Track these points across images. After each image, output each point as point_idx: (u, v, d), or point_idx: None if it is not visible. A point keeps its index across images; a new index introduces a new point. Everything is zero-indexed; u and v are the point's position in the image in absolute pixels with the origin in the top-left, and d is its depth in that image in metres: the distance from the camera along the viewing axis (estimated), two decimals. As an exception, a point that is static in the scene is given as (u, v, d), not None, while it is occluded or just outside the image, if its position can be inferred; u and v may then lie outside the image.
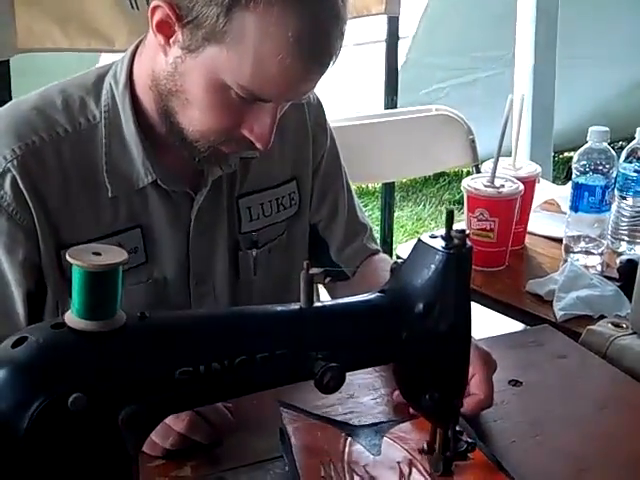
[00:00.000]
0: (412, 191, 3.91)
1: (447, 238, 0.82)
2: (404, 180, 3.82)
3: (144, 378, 0.69)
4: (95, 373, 0.67)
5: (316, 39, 0.91)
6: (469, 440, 0.88)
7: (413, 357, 0.82)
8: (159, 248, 1.08)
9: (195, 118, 0.96)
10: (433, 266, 0.81)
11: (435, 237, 0.84)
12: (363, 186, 3.68)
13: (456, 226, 0.82)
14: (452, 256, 0.81)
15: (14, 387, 0.65)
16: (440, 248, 0.81)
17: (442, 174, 3.91)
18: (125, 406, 0.66)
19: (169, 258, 1.09)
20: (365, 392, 1.04)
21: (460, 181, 1.59)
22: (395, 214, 2.90)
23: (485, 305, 1.40)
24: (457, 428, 0.86)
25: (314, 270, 0.77)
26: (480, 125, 2.21)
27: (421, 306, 0.81)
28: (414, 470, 0.89)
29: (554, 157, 3.53)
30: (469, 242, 0.82)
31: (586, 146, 1.49)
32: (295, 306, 0.78)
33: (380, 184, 2.79)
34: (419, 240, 0.84)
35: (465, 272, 0.83)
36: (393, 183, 2.66)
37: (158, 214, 1.06)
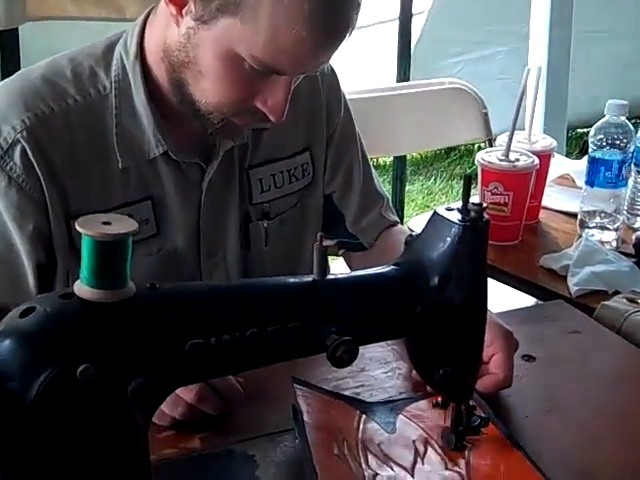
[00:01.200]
0: (423, 165, 3.88)
1: (464, 211, 0.80)
2: (415, 154, 3.79)
3: (153, 349, 0.68)
4: (104, 343, 0.66)
5: (332, 12, 0.89)
6: (482, 415, 0.87)
7: (427, 331, 0.81)
8: (170, 219, 1.07)
9: (208, 90, 0.95)
10: (449, 239, 0.80)
11: (451, 210, 0.82)
12: (374, 160, 3.65)
13: (472, 200, 0.80)
14: (468, 229, 0.80)
15: (22, 357, 0.64)
16: (456, 221, 0.80)
17: (453, 148, 3.87)
18: (134, 377, 0.65)
19: (180, 229, 1.08)
20: (377, 366, 1.03)
21: (471, 156, 1.57)
22: (406, 188, 2.88)
23: (498, 280, 1.39)
24: (470, 403, 0.85)
25: (327, 242, 0.76)
26: (494, 100, 2.18)
27: (436, 279, 0.79)
28: (429, 449, 0.88)
29: (567, 133, 3.49)
30: (486, 215, 0.81)
31: (603, 120, 1.46)
32: (308, 278, 0.76)
33: (391, 158, 2.77)
34: (435, 212, 0.82)
35: (481, 245, 0.82)
36: (405, 156, 2.64)
37: (169, 185, 1.05)
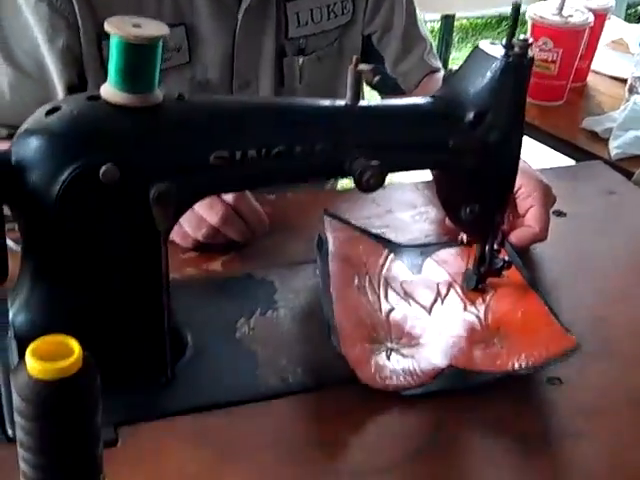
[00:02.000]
0: (472, 33, 3.74)
1: (507, 46, 0.77)
2: (464, 21, 3.65)
3: (178, 157, 0.67)
4: (128, 146, 0.65)
5: None
6: (506, 258, 0.86)
7: (458, 166, 0.79)
8: (203, 48, 1.04)
9: None
10: (489, 74, 0.77)
11: (494, 44, 0.78)
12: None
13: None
14: (510, 65, 0.76)
15: (46, 154, 0.64)
16: (498, 56, 0.76)
17: (505, 18, 3.72)
18: (157, 182, 0.64)
19: (213, 59, 1.05)
20: (404, 208, 1.01)
21: (524, 27, 1.50)
22: (452, 55, 2.79)
23: (537, 139, 1.35)
24: (495, 246, 0.84)
25: (363, 65, 0.73)
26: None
27: (472, 115, 0.77)
28: (452, 291, 0.87)
29: (627, 10, 3.32)
30: (531, 52, 0.77)
31: (666, -20, 1.37)
32: (341, 102, 0.74)
33: (439, 23, 2.66)
34: (477, 47, 0.79)
35: (522, 83, 0.78)
36: (453, 18, 2.54)
37: (204, 13, 1.02)
